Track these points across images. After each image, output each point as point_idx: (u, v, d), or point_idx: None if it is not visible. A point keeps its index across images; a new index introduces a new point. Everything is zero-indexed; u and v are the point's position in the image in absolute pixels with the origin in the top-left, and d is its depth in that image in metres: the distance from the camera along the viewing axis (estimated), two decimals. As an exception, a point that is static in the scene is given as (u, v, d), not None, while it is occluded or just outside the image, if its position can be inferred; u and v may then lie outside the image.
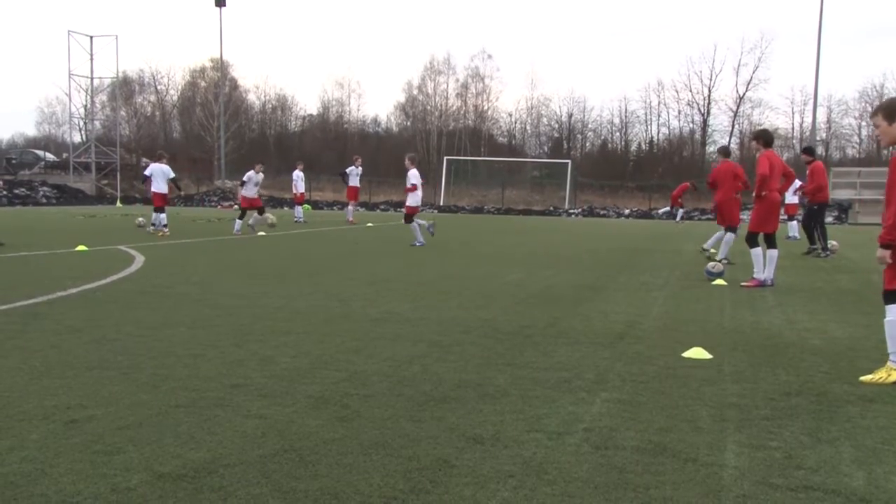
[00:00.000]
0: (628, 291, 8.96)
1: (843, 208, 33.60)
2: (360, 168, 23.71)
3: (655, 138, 65.22)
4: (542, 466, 3.21)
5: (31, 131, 69.63)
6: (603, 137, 65.62)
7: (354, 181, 23.68)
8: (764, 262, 9.51)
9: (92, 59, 45.14)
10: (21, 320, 6.41)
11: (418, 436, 3.57)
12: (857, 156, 54.85)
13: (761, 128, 9.79)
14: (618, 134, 65.50)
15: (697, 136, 61.60)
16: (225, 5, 45.28)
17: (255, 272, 10.38)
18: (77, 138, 55.48)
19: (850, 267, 9.34)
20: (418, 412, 3.94)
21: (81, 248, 13.18)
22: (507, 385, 4.52)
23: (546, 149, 65.04)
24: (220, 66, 53.83)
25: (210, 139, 59.48)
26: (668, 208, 34.86)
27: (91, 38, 44.94)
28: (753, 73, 58.77)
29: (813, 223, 14.63)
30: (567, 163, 47.26)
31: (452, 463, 3.23)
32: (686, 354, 5.39)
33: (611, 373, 4.88)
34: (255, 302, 7.64)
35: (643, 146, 65.60)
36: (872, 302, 7.65)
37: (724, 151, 13.09)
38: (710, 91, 60.66)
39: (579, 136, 66.09)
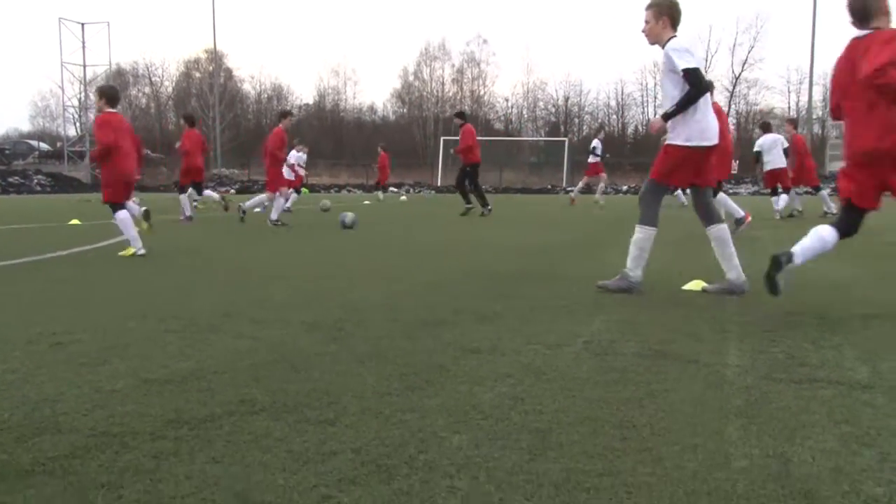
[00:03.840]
0: (626, 245, 8.84)
1: None
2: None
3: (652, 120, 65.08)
4: (541, 369, 3.12)
5: (25, 126, 69.15)
6: (600, 121, 65.42)
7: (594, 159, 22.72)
8: None
9: (84, 47, 44.92)
10: (10, 276, 6.32)
11: (414, 349, 3.48)
12: (855, 133, 54.66)
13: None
14: (615, 116, 65.34)
15: (694, 116, 61.45)
16: (217, -9, 44.96)
17: (249, 240, 10.28)
18: (71, 131, 55.23)
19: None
20: (413, 332, 3.85)
21: (75, 221, 13.06)
22: (504, 311, 4.43)
23: (543, 133, 64.87)
24: (215, 57, 53.56)
25: (206, 129, 59.31)
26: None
27: (82, 25, 44.71)
28: (749, 52, 58.59)
29: (470, 184, 15.23)
30: (564, 140, 47.14)
31: (448, 368, 3.14)
32: (686, 287, 5.31)
33: (609, 300, 4.80)
34: (250, 258, 7.55)
35: (640, 128, 65.39)
36: (869, 254, 7.61)
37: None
38: (705, 71, 60.50)
39: (576, 119, 65.90)
